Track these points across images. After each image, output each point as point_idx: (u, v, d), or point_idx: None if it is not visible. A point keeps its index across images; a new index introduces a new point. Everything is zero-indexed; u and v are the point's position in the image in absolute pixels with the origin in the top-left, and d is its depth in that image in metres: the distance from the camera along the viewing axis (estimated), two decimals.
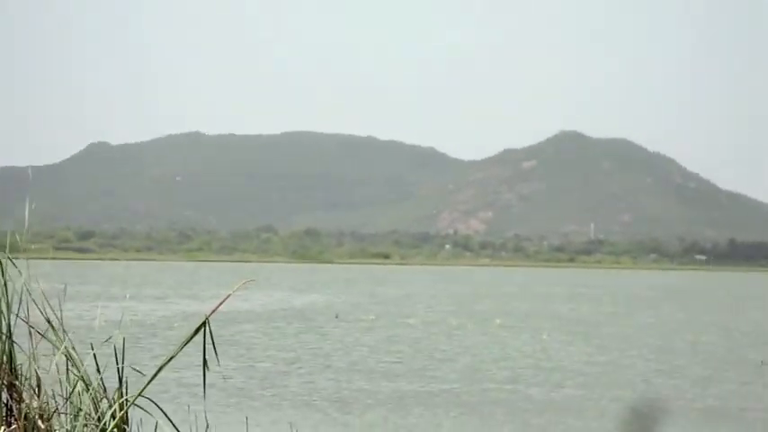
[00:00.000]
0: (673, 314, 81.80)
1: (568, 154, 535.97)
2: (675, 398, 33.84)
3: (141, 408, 6.76)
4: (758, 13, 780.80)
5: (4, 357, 6.40)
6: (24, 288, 6.71)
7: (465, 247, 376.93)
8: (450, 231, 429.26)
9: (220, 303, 6.37)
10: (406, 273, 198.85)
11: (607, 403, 31.62)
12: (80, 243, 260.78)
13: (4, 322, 6.47)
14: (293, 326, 59.68)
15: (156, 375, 6.48)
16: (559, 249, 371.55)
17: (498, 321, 66.87)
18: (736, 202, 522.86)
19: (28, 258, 6.82)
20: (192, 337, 6.47)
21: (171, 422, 6.64)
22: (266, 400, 30.50)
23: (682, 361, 45.71)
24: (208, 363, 6.55)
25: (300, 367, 39.19)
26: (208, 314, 6.41)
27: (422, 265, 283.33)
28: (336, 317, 67.60)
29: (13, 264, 6.62)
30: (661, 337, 58.18)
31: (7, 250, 6.61)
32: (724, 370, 42.50)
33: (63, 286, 7.33)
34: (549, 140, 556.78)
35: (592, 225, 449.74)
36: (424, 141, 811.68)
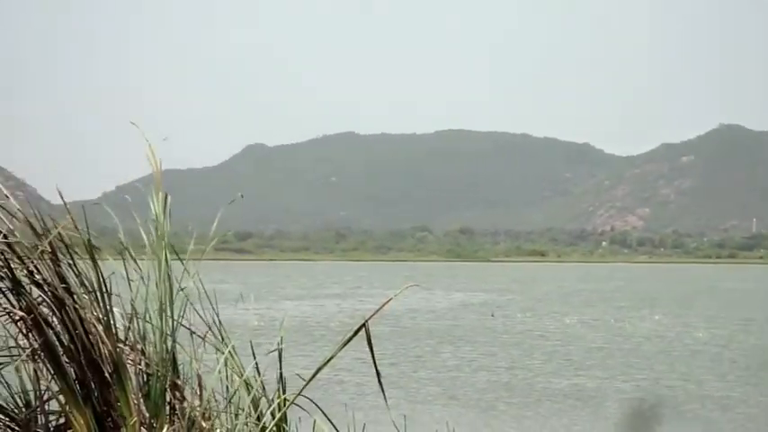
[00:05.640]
0: None
1: (728, 147, 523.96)
2: None
3: (300, 407, 6.82)
4: None
5: (168, 357, 6.52)
6: (186, 288, 6.84)
7: (622, 244, 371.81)
8: (607, 228, 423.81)
9: (381, 306, 6.37)
10: (563, 270, 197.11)
11: None
12: (238, 244, 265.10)
13: (167, 322, 6.60)
14: (445, 323, 59.77)
15: (315, 375, 6.54)
16: (720, 245, 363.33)
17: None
18: None
19: (188, 259, 6.94)
20: (350, 339, 6.50)
21: (329, 421, 6.68)
22: (425, 398, 30.57)
23: None
24: (370, 364, 6.58)
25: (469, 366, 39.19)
26: (367, 317, 6.43)
27: (578, 262, 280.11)
28: (492, 315, 67.51)
29: (183, 264, 6.76)
30: None
31: (165, 251, 6.74)
32: None
33: (225, 287, 7.46)
34: (708, 134, 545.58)
35: (754, 220, 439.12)
36: (580, 138, 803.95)
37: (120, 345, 6.52)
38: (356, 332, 6.39)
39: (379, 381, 6.59)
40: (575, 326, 60.66)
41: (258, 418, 6.65)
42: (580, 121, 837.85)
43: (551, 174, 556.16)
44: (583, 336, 53.99)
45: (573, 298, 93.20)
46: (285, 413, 6.69)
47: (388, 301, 6.43)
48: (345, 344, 6.41)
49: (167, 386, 6.52)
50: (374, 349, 6.44)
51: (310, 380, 6.53)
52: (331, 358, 6.45)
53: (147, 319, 6.65)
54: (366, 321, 6.33)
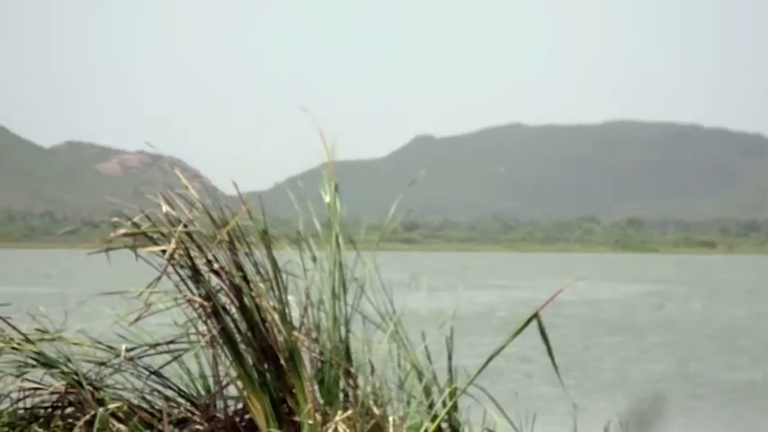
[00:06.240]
0: None
1: None
2: None
3: (470, 395, 6.86)
4: None
5: (341, 345, 6.63)
6: (359, 277, 6.94)
7: None
8: None
9: (553, 296, 6.36)
10: (733, 261, 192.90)
11: None
12: (406, 234, 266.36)
13: (340, 310, 6.71)
14: (615, 313, 59.10)
15: (486, 364, 6.56)
16: None
17: None
18: None
19: (361, 249, 7.04)
20: (521, 330, 6.51)
21: (500, 409, 6.70)
22: (595, 389, 30.30)
23: None
24: (537, 355, 6.62)
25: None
26: (539, 307, 6.43)
27: (749, 254, 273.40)
28: (662, 306, 66.51)
29: (358, 254, 6.87)
30: None
31: (336, 242, 6.86)
32: None
33: (394, 275, 7.56)
34: None
35: None
36: (750, 127, 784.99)
37: (295, 332, 6.65)
38: (528, 322, 6.39)
39: (556, 369, 6.58)
40: (748, 318, 59.40)
41: (430, 406, 6.71)
42: (753, 111, 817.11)
43: (721, 164, 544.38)
44: (757, 328, 52.85)
45: (745, 289, 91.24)
46: (456, 401, 6.74)
47: (559, 292, 6.41)
48: (517, 333, 6.41)
49: (341, 373, 6.64)
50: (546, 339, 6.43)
51: (482, 368, 6.56)
52: (503, 347, 6.46)
53: (321, 307, 6.78)
54: (538, 311, 6.33)
